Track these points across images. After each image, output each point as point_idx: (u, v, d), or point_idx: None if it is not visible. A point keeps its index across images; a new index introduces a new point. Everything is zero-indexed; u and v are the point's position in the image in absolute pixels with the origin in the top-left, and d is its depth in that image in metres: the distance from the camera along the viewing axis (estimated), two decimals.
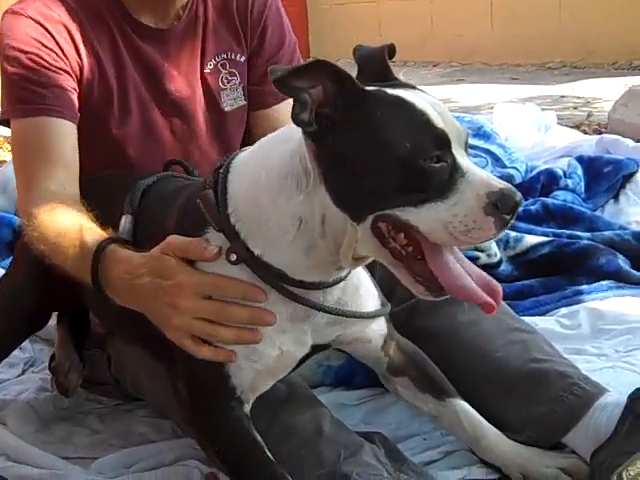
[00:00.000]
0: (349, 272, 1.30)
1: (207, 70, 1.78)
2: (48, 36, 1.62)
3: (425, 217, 1.10)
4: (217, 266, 1.23)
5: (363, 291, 1.38)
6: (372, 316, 1.40)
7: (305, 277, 1.24)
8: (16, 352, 2.08)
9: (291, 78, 1.10)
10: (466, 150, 1.17)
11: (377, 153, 1.11)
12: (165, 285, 1.24)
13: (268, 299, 1.24)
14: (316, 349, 1.37)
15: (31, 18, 1.62)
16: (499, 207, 1.09)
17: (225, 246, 1.23)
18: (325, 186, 1.15)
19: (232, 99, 1.80)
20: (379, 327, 1.46)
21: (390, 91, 1.16)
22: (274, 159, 1.21)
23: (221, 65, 1.79)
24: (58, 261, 1.46)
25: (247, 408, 1.32)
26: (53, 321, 2.06)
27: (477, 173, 1.12)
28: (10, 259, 2.50)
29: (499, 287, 1.19)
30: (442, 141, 1.11)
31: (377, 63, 1.24)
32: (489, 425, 1.48)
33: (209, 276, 1.23)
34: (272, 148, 1.24)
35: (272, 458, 1.29)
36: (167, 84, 1.74)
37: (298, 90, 1.11)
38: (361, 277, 1.38)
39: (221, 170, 1.28)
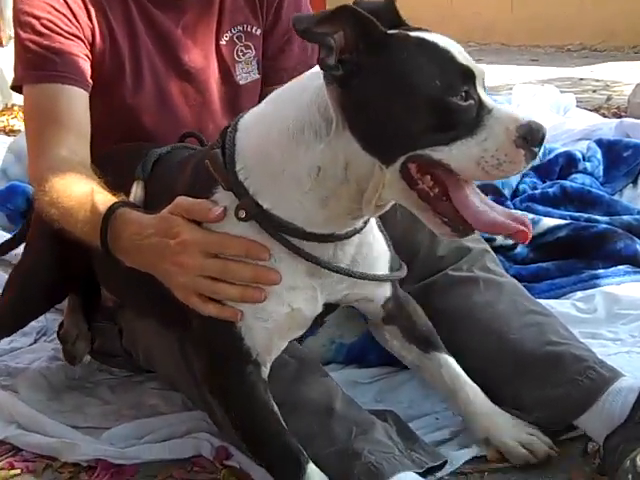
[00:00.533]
0: (364, 225, 1.29)
1: (223, 42, 1.76)
2: (61, 1, 1.60)
3: (457, 154, 1.11)
4: (226, 224, 1.23)
5: (376, 252, 1.36)
6: (383, 279, 1.39)
7: (318, 229, 1.24)
8: None
9: (315, 25, 1.11)
10: (485, 89, 1.18)
11: (407, 93, 1.11)
12: (171, 244, 1.26)
13: (277, 255, 1.23)
14: (328, 308, 1.35)
15: None
16: (528, 140, 1.12)
17: (234, 204, 1.22)
18: (350, 132, 1.15)
19: (247, 72, 1.78)
20: (384, 289, 1.44)
21: (411, 33, 1.16)
22: (288, 112, 1.21)
23: (237, 37, 1.77)
24: (68, 225, 1.46)
25: (265, 372, 1.32)
26: None
27: (502, 109, 1.14)
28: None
29: (526, 217, 1.21)
30: (468, 77, 1.13)
31: (386, 12, 1.22)
32: (471, 383, 1.48)
33: (213, 234, 1.24)
34: (284, 102, 1.24)
35: (286, 428, 1.29)
36: (181, 54, 1.72)
37: (323, 36, 1.11)
38: (376, 236, 1.36)
39: (229, 129, 1.27)
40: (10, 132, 4.64)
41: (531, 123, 1.12)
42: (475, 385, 1.48)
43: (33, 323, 2.09)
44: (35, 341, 2.07)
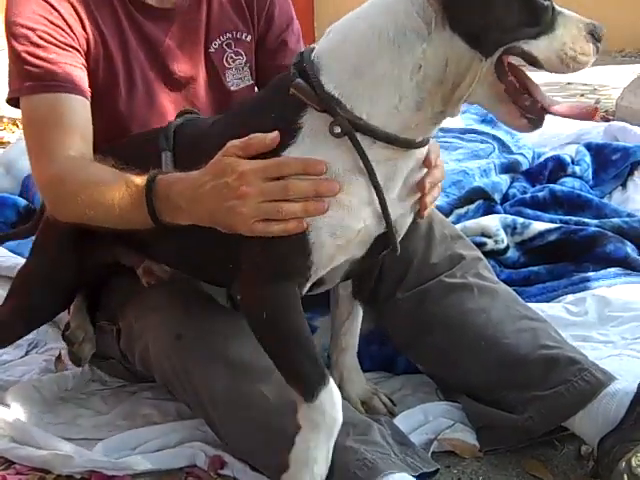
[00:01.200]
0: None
1: (212, 49, 1.76)
2: (55, 13, 1.60)
3: (542, 47, 1.24)
4: (319, 144, 1.28)
5: None
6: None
7: (410, 135, 1.30)
8: None
9: None
10: None
11: None
12: (229, 181, 1.29)
13: (359, 169, 1.29)
14: (379, 240, 1.38)
15: None
16: (594, 35, 1.27)
17: (326, 123, 1.27)
18: (451, 29, 1.24)
19: (238, 78, 1.78)
20: None
21: None
22: (384, 22, 1.27)
23: (226, 44, 1.77)
24: (100, 212, 1.47)
25: (306, 287, 1.36)
26: None
27: (567, 12, 1.28)
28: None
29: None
30: None
31: None
32: (356, 338, 1.63)
33: (269, 160, 1.28)
34: (374, 16, 1.29)
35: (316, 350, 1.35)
36: (171, 63, 1.73)
37: None
38: None
39: (303, 62, 1.31)
40: None
41: (594, 22, 1.28)
42: (355, 341, 1.62)
43: None
44: (26, 353, 2.06)
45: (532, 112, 1.30)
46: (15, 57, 1.61)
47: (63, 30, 1.60)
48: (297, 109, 1.30)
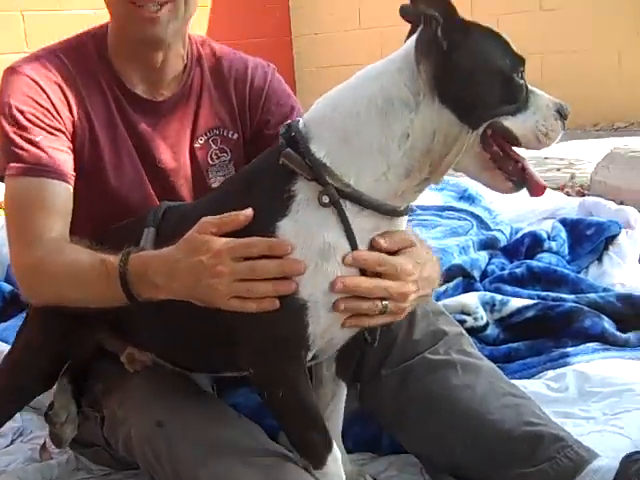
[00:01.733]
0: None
1: (197, 145, 1.81)
2: (44, 95, 1.66)
3: (519, 124, 1.33)
4: (307, 213, 1.32)
5: None
6: None
7: (396, 202, 1.36)
8: None
9: (416, 3, 1.29)
10: None
11: (490, 69, 1.31)
12: (204, 260, 1.33)
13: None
14: None
15: (28, 76, 1.67)
16: (561, 114, 1.36)
17: (314, 192, 1.32)
18: (440, 101, 1.30)
19: (221, 176, 1.82)
20: None
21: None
22: (372, 91, 1.33)
23: (212, 140, 1.81)
24: (77, 292, 1.51)
25: (309, 356, 1.39)
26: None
27: (538, 91, 1.36)
28: (0, 325, 2.53)
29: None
30: (522, 61, 1.35)
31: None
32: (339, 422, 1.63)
33: (239, 240, 1.32)
34: (363, 87, 1.35)
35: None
36: (156, 154, 1.78)
37: (432, 11, 1.28)
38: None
39: (292, 131, 1.36)
40: None
41: (561, 102, 1.37)
42: (340, 422, 1.63)
43: (10, 423, 2.07)
44: (12, 442, 2.05)
45: (515, 175, 1.37)
46: (4, 136, 1.66)
47: (50, 113, 1.66)
48: (288, 178, 1.34)
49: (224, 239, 1.34)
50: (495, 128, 1.33)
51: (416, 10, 1.30)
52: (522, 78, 1.34)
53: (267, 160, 1.41)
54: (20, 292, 1.75)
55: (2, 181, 1.68)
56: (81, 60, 1.74)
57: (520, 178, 1.38)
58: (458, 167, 1.38)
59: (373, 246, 1.35)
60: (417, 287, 1.41)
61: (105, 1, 1.72)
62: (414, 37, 1.34)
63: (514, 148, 1.37)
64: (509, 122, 1.32)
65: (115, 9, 1.69)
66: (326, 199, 1.31)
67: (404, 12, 1.37)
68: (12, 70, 1.70)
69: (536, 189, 1.40)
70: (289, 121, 1.41)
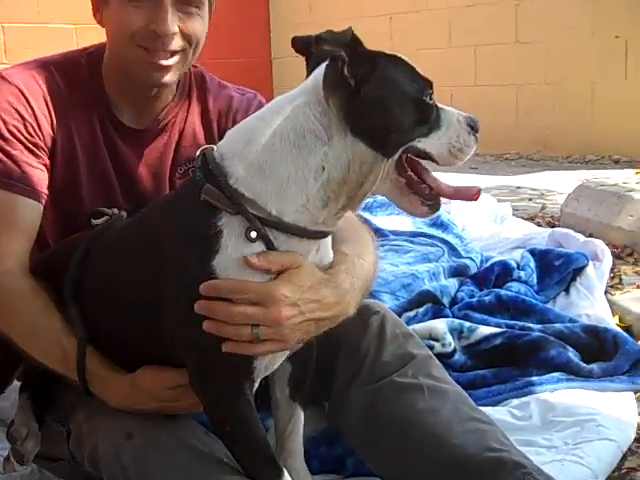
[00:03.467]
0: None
1: (177, 175, 1.83)
2: (29, 109, 1.67)
3: (433, 144, 1.35)
4: (242, 247, 1.33)
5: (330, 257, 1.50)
6: None
7: (319, 228, 1.38)
8: None
9: (324, 44, 1.31)
10: None
11: (398, 97, 1.33)
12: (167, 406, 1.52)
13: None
14: None
15: (16, 86, 1.67)
16: (473, 127, 1.38)
17: (241, 226, 1.33)
18: (352, 133, 1.32)
19: None
20: None
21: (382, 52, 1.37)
22: (283, 125, 1.34)
23: (192, 171, 1.81)
24: (27, 348, 1.59)
25: (254, 388, 1.42)
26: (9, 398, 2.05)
27: (446, 107, 1.39)
28: None
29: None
30: (429, 83, 1.37)
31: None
32: (300, 445, 1.64)
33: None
34: (274, 119, 1.36)
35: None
36: (136, 180, 1.79)
37: (337, 51, 1.29)
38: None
39: (209, 163, 1.38)
40: None
41: (470, 115, 1.39)
42: (300, 443, 1.64)
43: None
44: None
45: (430, 199, 1.40)
46: None
47: (32, 127, 1.66)
48: (211, 214, 1.34)
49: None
50: (410, 151, 1.35)
51: (321, 51, 1.32)
52: (431, 99, 1.36)
53: (187, 195, 1.42)
54: None
55: None
56: (72, 77, 1.75)
57: (434, 201, 1.41)
58: (376, 192, 1.40)
59: (247, 265, 1.34)
60: (298, 311, 1.37)
61: (109, 40, 1.72)
62: (319, 70, 1.34)
63: (429, 169, 1.40)
64: (422, 143, 1.35)
65: (121, 51, 1.69)
66: (254, 234, 1.33)
67: (297, 44, 1.38)
68: (1, 77, 1.70)
69: (467, 199, 1.43)
70: (203, 152, 1.42)
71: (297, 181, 1.33)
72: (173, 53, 1.68)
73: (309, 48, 1.38)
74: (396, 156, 1.34)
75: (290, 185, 1.33)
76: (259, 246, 1.34)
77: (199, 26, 1.70)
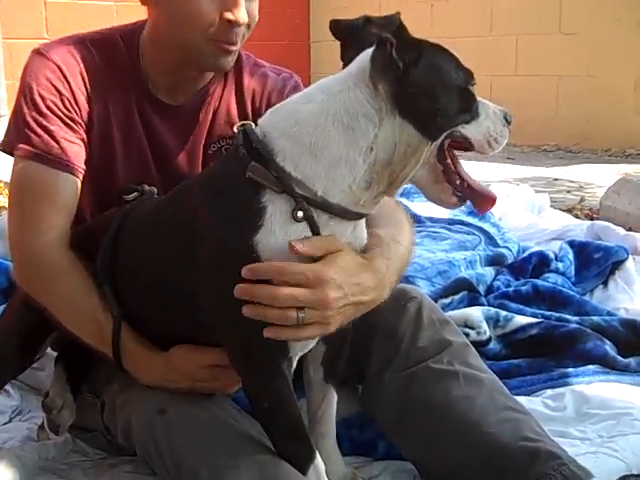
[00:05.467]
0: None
1: (210, 151, 1.82)
2: (66, 85, 1.68)
3: (474, 131, 1.39)
4: (286, 225, 1.34)
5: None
6: None
7: (358, 210, 1.40)
8: (4, 399, 2.09)
9: (372, 27, 1.33)
10: None
11: (445, 84, 1.36)
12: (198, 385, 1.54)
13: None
14: None
15: (54, 62, 1.68)
16: (507, 119, 1.43)
17: (287, 205, 1.34)
18: (400, 116, 1.34)
19: None
20: None
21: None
22: (336, 108, 1.35)
23: (225, 149, 1.82)
24: (63, 320, 1.60)
25: (292, 367, 1.43)
26: (45, 368, 2.07)
27: (483, 100, 1.42)
28: (3, 305, 2.53)
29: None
30: (471, 74, 1.41)
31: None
32: (333, 425, 1.64)
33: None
34: (327, 102, 1.37)
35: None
36: (170, 156, 1.79)
37: (387, 34, 1.31)
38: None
39: (252, 140, 1.38)
40: None
41: (504, 109, 1.44)
42: (333, 425, 1.64)
43: (8, 402, 2.11)
44: (10, 420, 2.06)
45: (461, 190, 1.42)
46: (20, 117, 1.67)
47: (70, 102, 1.67)
48: (255, 191, 1.35)
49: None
50: (453, 136, 1.38)
51: (369, 34, 1.33)
52: (473, 89, 1.40)
53: (229, 171, 1.42)
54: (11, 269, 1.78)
55: (10, 154, 1.70)
56: (108, 53, 1.75)
57: (465, 194, 1.43)
58: (412, 179, 1.41)
59: (292, 251, 1.33)
60: (343, 293, 1.36)
61: (165, 24, 1.68)
62: (365, 55, 1.36)
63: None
64: (465, 130, 1.38)
65: (190, 42, 1.66)
66: (300, 214, 1.34)
67: (337, 27, 1.41)
68: (39, 53, 1.71)
69: (484, 204, 1.46)
70: (244, 128, 1.41)
71: (347, 162, 1.35)
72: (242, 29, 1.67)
73: (350, 32, 1.40)
74: (439, 141, 1.37)
75: (340, 166, 1.35)
76: (303, 226, 1.35)
77: (256, 8, 1.71)
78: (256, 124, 1.42)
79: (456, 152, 1.42)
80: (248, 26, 1.69)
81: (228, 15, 1.62)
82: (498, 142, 1.41)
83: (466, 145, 1.40)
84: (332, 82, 1.39)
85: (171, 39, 1.69)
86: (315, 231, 1.35)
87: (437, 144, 1.37)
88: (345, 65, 1.42)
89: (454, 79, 1.37)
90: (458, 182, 1.42)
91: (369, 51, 1.35)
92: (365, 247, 1.48)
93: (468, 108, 1.38)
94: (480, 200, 1.46)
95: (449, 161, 1.41)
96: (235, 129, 1.43)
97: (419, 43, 1.36)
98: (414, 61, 1.33)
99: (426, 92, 1.34)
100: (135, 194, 1.70)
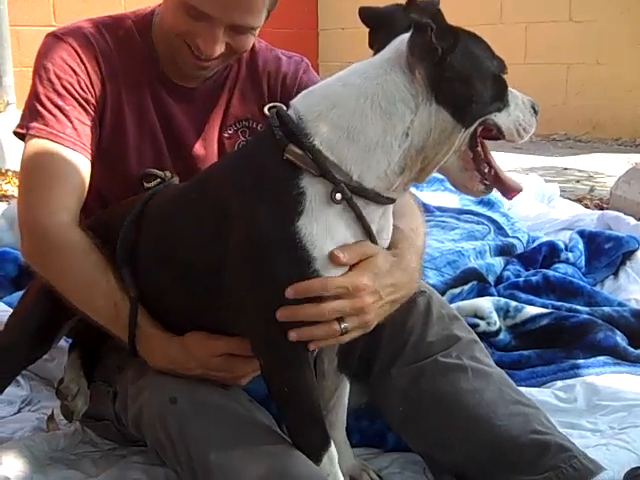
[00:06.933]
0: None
1: (226, 134, 1.82)
2: (82, 66, 1.69)
3: (505, 119, 1.40)
4: (323, 209, 1.34)
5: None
6: None
7: (390, 195, 1.40)
8: (14, 390, 2.09)
9: (412, 11, 1.31)
10: None
11: (481, 71, 1.37)
12: (220, 375, 1.52)
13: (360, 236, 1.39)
14: None
15: (70, 45, 1.70)
16: (535, 109, 1.44)
17: (325, 188, 1.34)
18: (436, 102, 1.34)
19: None
20: None
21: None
22: (374, 92, 1.35)
23: (241, 132, 1.83)
24: (77, 301, 1.58)
25: (314, 354, 1.47)
26: (55, 359, 2.08)
27: (513, 90, 1.42)
28: (15, 294, 2.54)
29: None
30: (503, 62, 1.41)
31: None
32: (344, 413, 1.64)
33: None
34: (365, 87, 1.37)
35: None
36: (184, 140, 1.79)
37: (427, 19, 1.30)
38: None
39: (287, 123, 1.37)
40: (3, 197, 4.57)
41: (532, 100, 1.44)
42: (344, 416, 1.64)
43: (18, 392, 2.11)
44: (19, 410, 2.06)
45: (489, 179, 1.43)
46: (34, 96, 1.68)
47: (85, 83, 1.68)
48: (292, 174, 1.34)
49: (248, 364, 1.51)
50: (487, 123, 1.39)
51: (409, 18, 1.32)
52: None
53: (263, 153, 1.41)
54: (20, 249, 1.74)
55: (20, 138, 1.69)
56: (121, 37, 1.76)
57: (492, 182, 1.44)
58: (441, 166, 1.41)
59: (332, 260, 1.34)
60: (378, 297, 1.41)
61: (162, 17, 1.72)
62: (400, 41, 1.36)
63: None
64: (497, 118, 1.39)
65: (168, 38, 1.70)
66: (339, 196, 1.33)
67: (365, 15, 1.43)
68: (55, 36, 1.72)
69: (510, 192, 1.46)
70: (275, 110, 1.40)
71: (384, 146, 1.35)
72: (216, 57, 1.68)
73: (381, 19, 1.42)
74: (472, 128, 1.37)
75: (377, 151, 1.35)
76: (342, 209, 1.35)
77: (249, 41, 1.71)
78: (287, 106, 1.42)
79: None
80: (235, 53, 1.70)
81: (199, 41, 1.64)
82: (526, 131, 1.42)
83: (496, 134, 1.40)
84: (367, 66, 1.39)
85: (162, 28, 1.73)
86: (358, 214, 1.36)
87: (470, 131, 1.37)
88: (376, 52, 1.41)
89: (489, 67, 1.37)
90: (486, 170, 1.42)
91: (404, 36, 1.35)
92: (391, 242, 1.49)
93: (501, 96, 1.38)
94: (506, 189, 1.46)
95: (479, 149, 1.41)
96: (266, 111, 1.42)
97: (456, 30, 1.35)
98: (451, 47, 1.33)
99: (462, 78, 1.34)
100: (157, 180, 1.70)
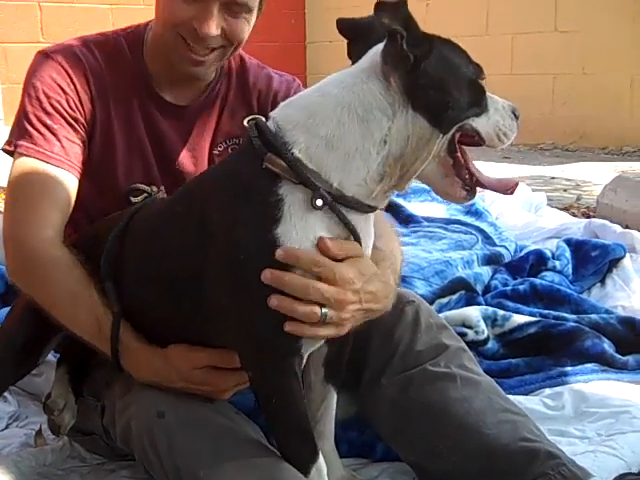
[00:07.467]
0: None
1: (216, 151, 1.83)
2: (70, 84, 1.69)
3: (483, 124, 1.39)
4: (304, 216, 1.34)
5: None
6: None
7: (371, 203, 1.40)
8: (1, 405, 2.09)
9: (382, 17, 1.31)
10: None
11: (457, 75, 1.37)
12: (203, 388, 1.52)
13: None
14: None
15: (59, 64, 1.70)
16: (515, 114, 1.44)
17: (304, 195, 1.34)
18: (413, 109, 1.35)
19: None
20: None
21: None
22: (351, 100, 1.36)
23: (231, 148, 1.83)
24: (62, 319, 1.58)
25: (302, 364, 1.43)
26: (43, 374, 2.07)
27: (491, 94, 1.43)
28: (2, 310, 2.53)
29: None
30: (481, 68, 1.42)
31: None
32: (332, 424, 1.63)
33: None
34: (342, 95, 1.37)
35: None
36: (174, 155, 1.79)
37: (397, 26, 1.31)
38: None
39: (266, 132, 1.38)
40: None
41: (512, 104, 1.45)
42: (332, 427, 1.63)
43: (5, 408, 2.10)
44: (7, 426, 2.05)
45: (470, 185, 1.43)
46: (23, 114, 1.69)
47: (73, 102, 1.69)
48: (271, 182, 1.35)
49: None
50: (465, 129, 1.38)
51: (380, 23, 1.33)
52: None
53: (243, 163, 1.41)
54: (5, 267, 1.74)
55: (9, 154, 1.69)
56: (112, 55, 1.76)
57: (473, 187, 1.44)
58: (421, 174, 1.41)
59: (319, 247, 1.35)
60: (358, 298, 1.39)
61: (156, 17, 1.73)
62: (375, 50, 1.37)
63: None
64: (475, 123, 1.39)
65: (163, 36, 1.71)
66: (320, 202, 1.33)
67: (343, 26, 1.44)
68: (44, 55, 1.73)
69: (505, 190, 1.46)
70: (255, 121, 1.41)
71: (363, 154, 1.35)
72: (212, 49, 1.69)
73: (357, 30, 1.43)
74: (450, 134, 1.37)
75: (355, 158, 1.35)
76: (323, 215, 1.35)
77: (244, 28, 1.70)
78: (266, 119, 1.42)
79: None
80: (231, 43, 1.70)
81: (195, 24, 1.64)
82: (507, 136, 1.42)
83: (476, 140, 1.40)
84: (344, 76, 1.40)
85: (156, 35, 1.74)
86: (342, 217, 1.36)
87: (448, 137, 1.38)
88: (354, 62, 1.42)
89: (465, 72, 1.37)
90: (467, 176, 1.43)
91: (380, 45, 1.36)
92: (371, 260, 1.48)
93: (478, 101, 1.38)
94: (496, 190, 1.46)
95: (459, 154, 1.41)
96: (245, 123, 1.43)
97: (430, 37, 1.36)
98: (425, 54, 1.33)
99: (437, 85, 1.34)
100: (144, 195, 1.70)
